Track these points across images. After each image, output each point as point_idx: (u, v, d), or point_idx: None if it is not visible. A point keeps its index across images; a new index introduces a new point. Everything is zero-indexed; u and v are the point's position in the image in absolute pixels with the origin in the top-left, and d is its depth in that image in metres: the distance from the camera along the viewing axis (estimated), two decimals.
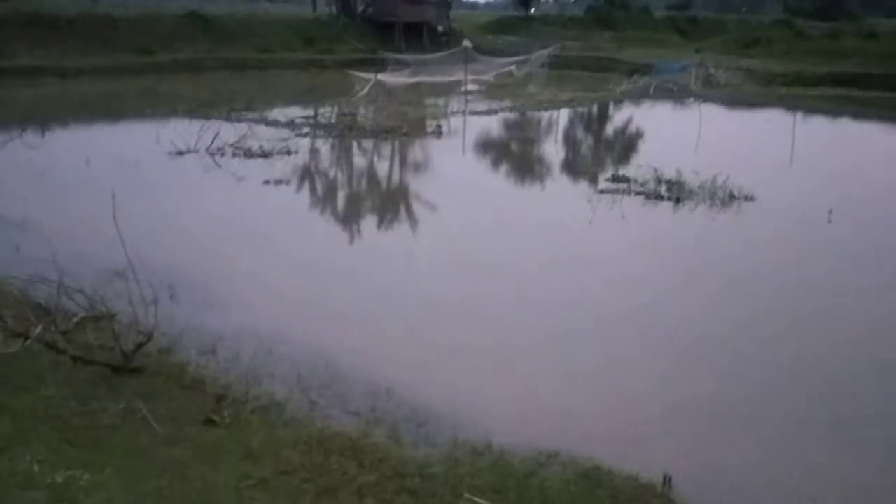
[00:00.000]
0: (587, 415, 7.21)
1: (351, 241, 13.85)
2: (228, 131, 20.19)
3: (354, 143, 22.50)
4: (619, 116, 31.99)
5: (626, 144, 25.40)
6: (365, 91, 30.61)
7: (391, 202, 17.03)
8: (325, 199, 16.97)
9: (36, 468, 4.42)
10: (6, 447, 4.56)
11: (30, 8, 44.20)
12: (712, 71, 39.17)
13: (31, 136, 19.85)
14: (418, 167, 20.58)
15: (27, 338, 6.47)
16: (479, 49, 41.05)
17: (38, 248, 10.34)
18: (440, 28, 54.25)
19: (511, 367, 8.29)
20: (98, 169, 16.80)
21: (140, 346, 7.04)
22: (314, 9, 58.98)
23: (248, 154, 19.08)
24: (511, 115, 29.24)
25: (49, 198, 14.41)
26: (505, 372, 8.14)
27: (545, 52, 40.71)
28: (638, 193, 16.00)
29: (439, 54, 39.60)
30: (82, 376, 6.52)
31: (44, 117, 25.38)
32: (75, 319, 7.32)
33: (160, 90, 31.78)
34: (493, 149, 23.54)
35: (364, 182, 19.20)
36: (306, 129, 23.62)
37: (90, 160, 17.52)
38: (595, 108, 32.95)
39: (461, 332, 9.09)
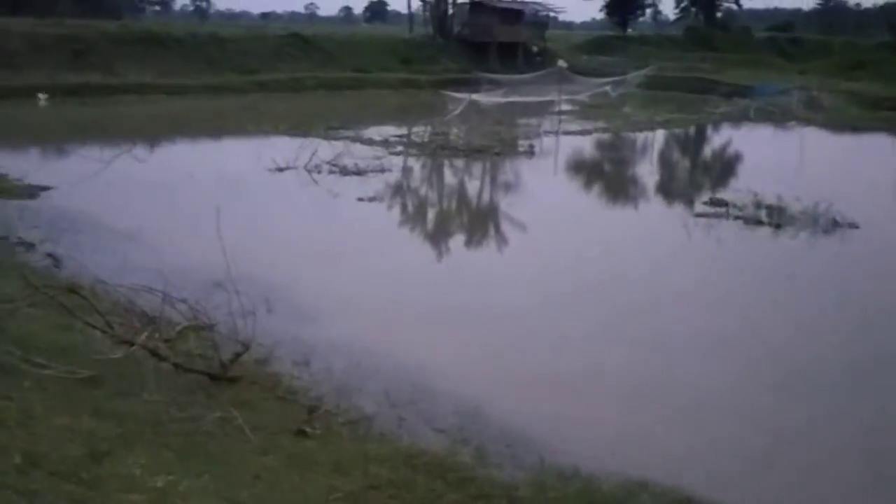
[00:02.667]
0: (681, 446, 7.04)
1: (440, 258, 13.95)
2: (325, 149, 20.70)
3: (446, 162, 22.68)
4: (717, 139, 31.31)
5: (724, 168, 24.83)
6: (458, 110, 30.85)
7: (481, 221, 17.08)
8: (416, 217, 17.16)
9: (137, 472, 4.58)
10: (111, 450, 4.74)
11: (141, 27, 46.42)
12: (815, 94, 37.91)
13: (140, 151, 20.78)
14: (509, 187, 20.60)
15: (132, 344, 6.73)
16: (574, 69, 40.85)
17: (145, 258, 10.85)
18: (535, 48, 54.25)
19: (600, 392, 8.18)
20: (202, 183, 17.43)
21: (237, 356, 7.25)
22: (410, 30, 59.91)
23: (344, 171, 19.47)
24: (605, 136, 28.97)
25: (156, 210, 15.03)
26: (594, 396, 8.04)
27: (641, 72, 40.25)
28: (736, 218, 15.61)
29: (533, 74, 39.58)
30: (182, 383, 6.75)
31: (152, 133, 26.55)
32: (178, 328, 7.59)
33: (262, 108, 32.76)
34: (585, 169, 23.36)
35: (455, 200, 19.33)
36: (400, 148, 23.97)
37: (194, 175, 18.20)
38: (692, 131, 32.34)
39: (550, 354, 9.03)
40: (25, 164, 18.48)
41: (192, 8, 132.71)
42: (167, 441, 5.36)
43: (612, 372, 8.61)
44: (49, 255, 11.24)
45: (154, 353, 6.85)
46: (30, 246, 11.64)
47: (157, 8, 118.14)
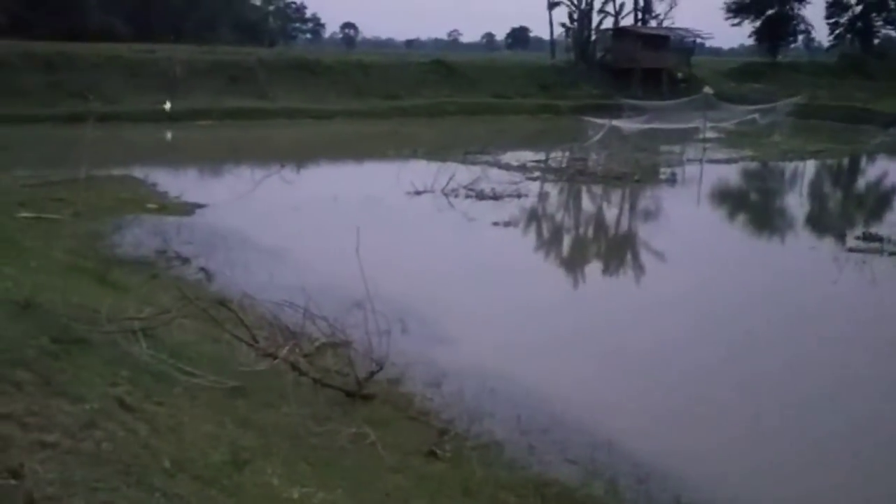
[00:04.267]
0: (828, 490, 6.63)
1: (575, 286, 13.79)
2: (463, 173, 20.95)
3: (584, 188, 22.47)
4: (873, 171, 29.57)
5: (880, 201, 23.39)
6: (598, 136, 30.55)
7: (618, 249, 16.78)
8: (551, 243, 17.05)
9: (275, 481, 4.73)
10: (251, 459, 4.92)
11: (293, 55, 48.65)
12: None
13: (287, 172, 21.72)
14: (648, 215, 20.16)
15: (275, 357, 6.99)
16: (721, 96, 39.68)
17: (289, 275, 11.28)
18: (680, 74, 53.07)
19: (739, 431, 7.81)
20: (344, 205, 17.99)
21: (372, 374, 7.40)
22: (552, 56, 59.96)
23: (480, 196, 19.62)
24: (752, 165, 27.94)
25: (300, 229, 15.62)
26: (732, 435, 7.69)
27: (792, 100, 38.61)
28: (892, 254, 14.64)
29: (677, 101, 38.71)
30: (320, 398, 6.94)
31: (299, 155, 27.69)
32: (317, 344, 7.83)
33: (402, 133, 33.57)
34: (730, 199, 22.58)
35: (591, 227, 19.10)
36: (537, 173, 23.95)
37: (337, 196, 18.82)
38: (845, 161, 30.68)
39: (689, 388, 8.73)
40: (183, 183, 19.72)
41: (340, 36, 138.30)
42: (304, 454, 5.51)
43: (753, 413, 8.21)
44: (202, 269, 11.88)
45: (295, 367, 7.08)
46: (185, 260, 12.33)
47: (309, 36, 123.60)
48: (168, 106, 34.88)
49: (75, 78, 35.81)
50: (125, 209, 15.98)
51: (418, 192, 19.60)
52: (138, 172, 20.72)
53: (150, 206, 16.76)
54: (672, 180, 23.52)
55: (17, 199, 15.18)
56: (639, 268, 14.98)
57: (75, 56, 37.61)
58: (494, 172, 22.73)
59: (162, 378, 5.76)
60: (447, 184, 19.92)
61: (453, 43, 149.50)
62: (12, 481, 3.18)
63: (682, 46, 56.99)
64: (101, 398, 4.64)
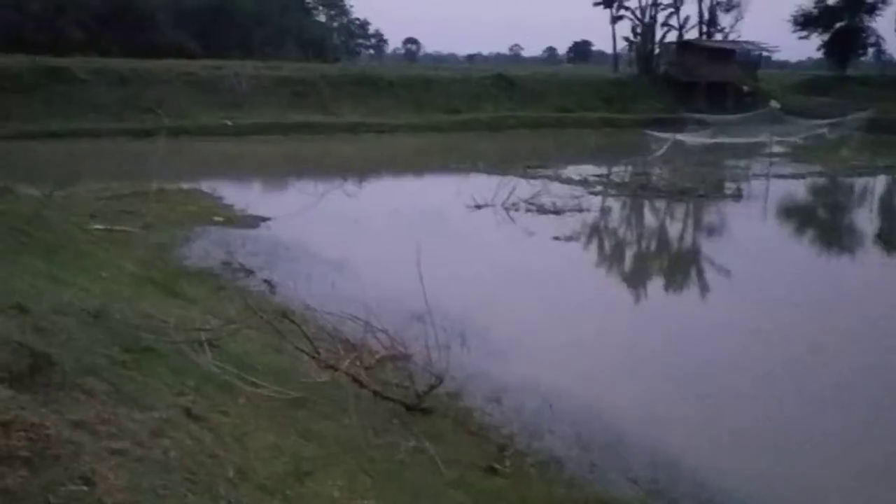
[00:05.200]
0: None
1: (637, 302, 13.61)
2: (523, 187, 20.91)
3: (647, 203, 22.20)
4: None
5: None
6: (662, 151, 30.19)
7: (681, 265, 16.53)
8: (612, 258, 16.88)
9: (336, 493, 4.76)
10: (313, 470, 4.96)
11: (356, 70, 49.34)
12: None
13: (349, 186, 21.98)
14: (713, 230, 19.82)
15: (336, 369, 7.07)
16: (787, 110, 38.85)
17: (350, 288, 11.38)
18: (745, 88, 52.15)
19: (803, 450, 7.60)
20: (404, 218, 18.11)
21: (432, 388, 7.41)
22: (615, 69, 59.58)
23: (541, 210, 19.55)
24: (820, 181, 27.26)
25: (362, 242, 15.77)
26: (798, 457, 7.48)
27: (861, 114, 37.55)
28: None
29: (743, 115, 38.03)
30: (379, 411, 6.98)
31: (361, 169, 28.00)
32: (377, 356, 7.89)
33: (463, 147, 33.68)
34: (797, 215, 22.06)
35: (654, 243, 18.85)
36: (599, 188, 23.77)
37: (398, 210, 18.95)
38: None
39: (756, 408, 8.52)
40: (248, 196, 20.10)
41: (402, 51, 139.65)
42: (365, 466, 5.54)
43: (821, 433, 7.98)
44: (265, 281, 12.08)
45: (355, 380, 7.14)
46: (249, 272, 12.55)
47: (372, 51, 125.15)
48: (230, 122, 35.71)
49: (146, 93, 36.92)
50: (193, 221, 16.36)
51: (478, 206, 19.62)
52: (206, 185, 21.20)
53: (217, 218, 17.13)
54: (738, 195, 23.10)
55: (90, 211, 15.65)
56: (703, 284, 14.72)
57: (147, 72, 38.78)
58: (555, 186, 22.63)
59: (227, 388, 5.86)
60: (507, 198, 19.90)
61: (515, 57, 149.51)
62: (84, 487, 3.27)
63: (748, 59, 56.07)
64: (169, 407, 4.75)
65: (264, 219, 17.46)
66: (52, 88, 35.46)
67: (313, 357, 7.45)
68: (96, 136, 32.02)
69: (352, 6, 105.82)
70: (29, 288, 6.47)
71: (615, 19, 60.71)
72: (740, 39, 57.35)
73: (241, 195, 20.29)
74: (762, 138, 33.45)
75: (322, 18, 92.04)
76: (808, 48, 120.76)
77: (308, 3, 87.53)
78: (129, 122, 33.92)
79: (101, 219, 14.90)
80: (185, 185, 20.70)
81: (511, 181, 21.52)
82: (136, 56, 42.41)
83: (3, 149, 26.30)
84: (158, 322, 6.95)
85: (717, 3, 60.88)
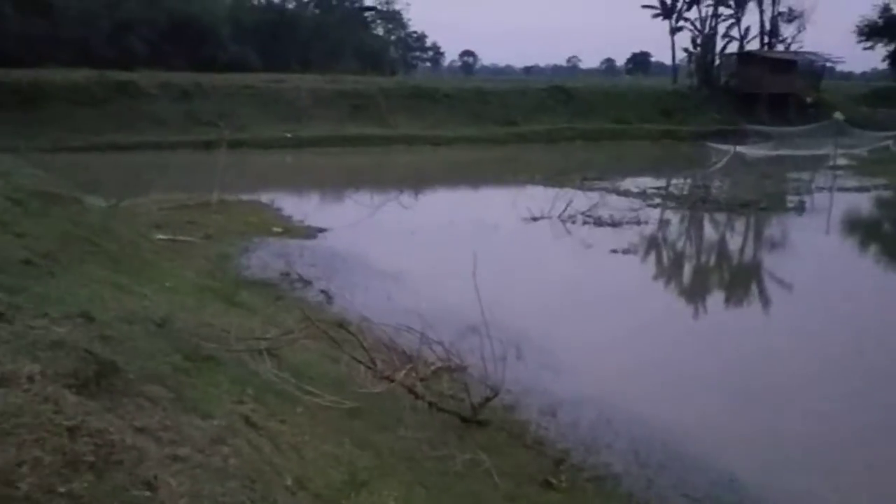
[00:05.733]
0: None
1: (696, 316, 13.38)
2: (580, 199, 20.77)
3: (706, 216, 21.85)
4: None
5: None
6: (722, 163, 29.76)
7: (741, 278, 16.21)
8: (671, 272, 16.64)
9: None
10: (369, 480, 4.99)
11: (413, 83, 49.73)
12: None
13: (406, 198, 22.11)
14: (775, 244, 19.41)
15: (392, 381, 7.09)
16: (852, 121, 37.94)
17: (406, 299, 11.42)
18: (808, 99, 51.07)
19: (861, 469, 7.36)
20: (460, 230, 18.13)
21: (487, 400, 7.39)
22: (674, 81, 58.93)
23: (598, 222, 19.39)
24: (886, 194, 26.50)
25: (418, 254, 15.84)
26: (858, 476, 7.25)
27: None
28: None
29: (806, 126, 37.25)
30: (435, 422, 6.98)
31: (417, 181, 28.15)
32: (432, 368, 7.89)
33: (519, 159, 33.63)
34: (862, 228, 21.47)
35: (714, 256, 18.53)
36: (657, 200, 23.48)
37: (454, 221, 18.99)
38: None
39: (817, 425, 8.29)
40: (307, 208, 20.38)
41: (459, 64, 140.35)
42: (420, 477, 5.55)
43: (888, 456, 7.72)
44: (323, 291, 12.20)
45: (411, 391, 7.15)
46: (307, 282, 12.68)
47: (429, 64, 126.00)
48: (289, 134, 36.36)
49: (208, 106, 37.76)
50: (252, 232, 16.62)
51: (535, 218, 19.54)
52: (265, 197, 21.55)
53: (276, 229, 17.38)
54: (800, 209, 22.59)
55: (153, 221, 16.02)
56: (764, 299, 14.40)
57: (209, 86, 39.70)
58: (613, 199, 22.44)
59: (285, 397, 5.93)
60: (564, 210, 19.79)
61: (572, 69, 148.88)
62: (147, 493, 3.33)
63: (811, 70, 54.95)
64: (229, 415, 4.82)
65: (322, 230, 17.66)
66: (120, 102, 36.57)
67: (369, 368, 7.48)
68: (160, 149, 32.86)
69: (409, 19, 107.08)
70: (95, 296, 6.64)
71: (675, 31, 60.09)
72: (803, 50, 56.23)
73: (300, 206, 20.58)
74: (826, 150, 32.73)
75: (380, 32, 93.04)
76: (873, 59, 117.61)
77: (367, 16, 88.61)
78: (192, 134, 34.71)
79: (165, 229, 15.23)
80: (245, 197, 21.07)
81: (568, 193, 21.41)
82: (199, 70, 43.45)
83: (72, 160, 27.11)
84: (219, 331, 7.07)
85: (779, 14, 59.96)
